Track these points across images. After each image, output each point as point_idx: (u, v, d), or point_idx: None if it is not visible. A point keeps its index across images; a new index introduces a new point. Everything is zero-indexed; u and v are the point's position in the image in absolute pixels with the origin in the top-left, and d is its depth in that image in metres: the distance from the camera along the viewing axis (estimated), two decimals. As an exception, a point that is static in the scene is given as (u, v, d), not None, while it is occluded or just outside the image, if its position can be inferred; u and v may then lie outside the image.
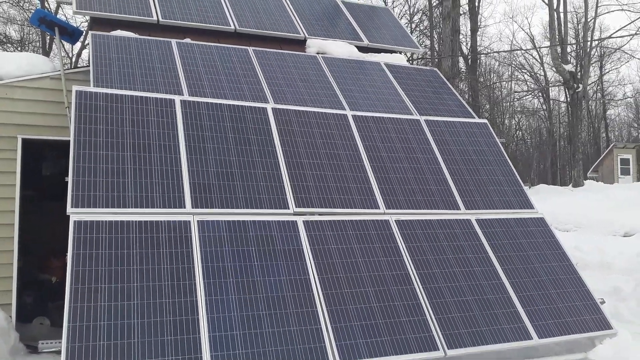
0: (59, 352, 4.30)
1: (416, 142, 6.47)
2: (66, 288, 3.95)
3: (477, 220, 5.90)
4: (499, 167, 6.64)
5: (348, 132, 6.28)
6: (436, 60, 26.17)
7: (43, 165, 7.76)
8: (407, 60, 8.93)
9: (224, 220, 4.91)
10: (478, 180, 6.37)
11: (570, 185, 23.69)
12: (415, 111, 7.10)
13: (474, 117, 7.34)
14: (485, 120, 7.25)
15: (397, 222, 5.52)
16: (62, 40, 7.42)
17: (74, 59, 25.75)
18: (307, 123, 6.20)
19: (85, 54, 25.92)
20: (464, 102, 7.73)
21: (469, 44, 27.11)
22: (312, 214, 5.32)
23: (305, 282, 4.66)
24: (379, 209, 5.59)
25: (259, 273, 4.59)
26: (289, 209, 5.25)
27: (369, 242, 5.24)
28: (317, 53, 7.93)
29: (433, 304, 4.93)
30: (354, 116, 6.52)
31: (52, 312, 6.47)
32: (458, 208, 5.95)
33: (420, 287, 5.02)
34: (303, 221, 5.16)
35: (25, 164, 6.34)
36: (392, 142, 6.34)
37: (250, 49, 7.37)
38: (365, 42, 8.54)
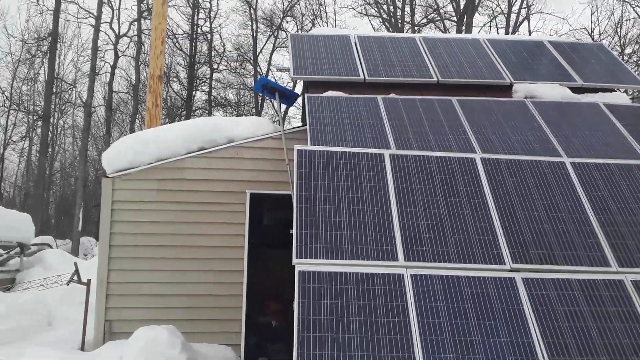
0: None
1: (651, 191, 5.70)
2: (294, 335, 4.22)
3: None
4: None
5: (567, 181, 5.80)
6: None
7: (264, 216, 8.56)
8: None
9: (437, 275, 4.83)
10: None
11: None
12: (647, 155, 6.29)
13: None
14: None
15: (635, 282, 4.86)
16: (280, 103, 8.22)
17: (281, 116, 28.44)
18: (519, 173, 5.89)
19: (290, 111, 28.42)
20: None
21: (700, 72, 23.51)
22: (531, 270, 4.96)
23: (528, 345, 4.31)
24: (611, 267, 4.99)
25: (476, 332, 4.38)
26: (505, 264, 4.98)
27: (600, 304, 4.69)
28: (525, 98, 7.58)
29: (689, 384, 4.17)
30: (572, 163, 6.02)
31: (272, 353, 6.95)
32: None
33: (671, 361, 4.30)
34: (522, 278, 4.84)
35: (250, 215, 7.05)
36: (622, 191, 5.68)
37: (454, 99, 7.34)
38: (579, 82, 7.94)
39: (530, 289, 4.75)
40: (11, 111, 29.30)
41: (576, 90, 7.83)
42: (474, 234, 5.23)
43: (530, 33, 24.86)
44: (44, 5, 25.93)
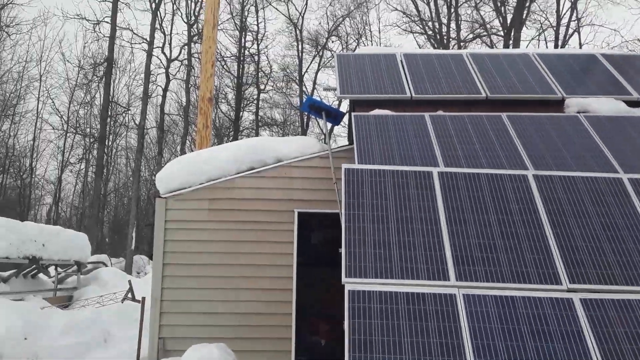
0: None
1: None
2: (345, 356, 4.21)
3: None
4: None
5: (625, 198, 5.60)
6: None
7: (311, 234, 8.61)
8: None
9: (491, 295, 4.72)
10: None
11: None
12: None
13: None
14: None
15: (703, 304, 4.60)
16: (327, 122, 8.29)
17: (328, 135, 28.59)
18: (574, 189, 5.72)
19: (335, 130, 28.58)
20: None
21: None
22: (589, 290, 4.79)
23: (589, 370, 4.15)
24: (676, 287, 4.76)
25: (533, 355, 4.25)
26: (561, 284, 4.82)
27: (665, 327, 4.46)
28: (578, 112, 7.39)
29: None
30: (630, 179, 5.80)
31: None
32: None
33: None
34: (580, 299, 4.67)
35: (298, 234, 7.10)
36: (685, 208, 5.43)
37: (504, 115, 7.22)
38: (635, 95, 7.67)
39: (589, 310, 4.58)
40: (69, 134, 30.72)
41: (632, 104, 7.57)
42: (528, 252, 5.10)
43: (580, 46, 24.23)
44: (100, 32, 27.20)
